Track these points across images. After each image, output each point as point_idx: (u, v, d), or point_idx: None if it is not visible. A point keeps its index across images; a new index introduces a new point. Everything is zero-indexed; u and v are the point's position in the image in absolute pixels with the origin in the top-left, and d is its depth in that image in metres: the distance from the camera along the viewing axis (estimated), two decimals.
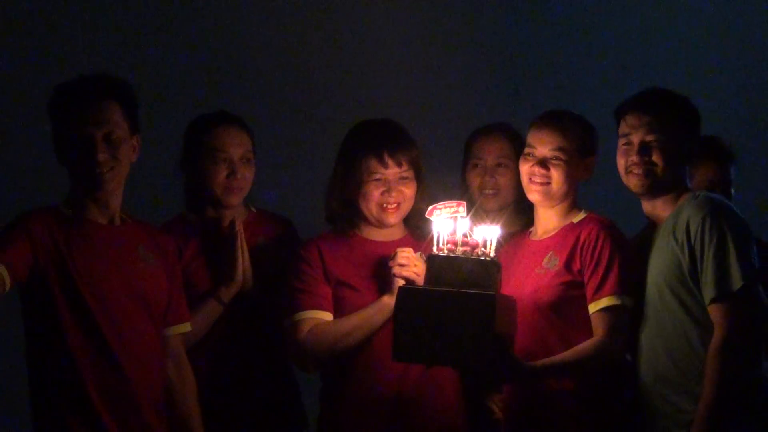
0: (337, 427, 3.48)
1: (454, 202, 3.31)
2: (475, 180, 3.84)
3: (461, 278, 3.17)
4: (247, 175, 3.62)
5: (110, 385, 3.12)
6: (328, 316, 3.42)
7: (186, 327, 3.38)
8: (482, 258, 3.21)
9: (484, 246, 3.23)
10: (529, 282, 3.39)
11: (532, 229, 3.54)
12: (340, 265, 3.47)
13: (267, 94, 5.60)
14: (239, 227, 3.55)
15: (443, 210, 3.29)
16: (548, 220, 3.48)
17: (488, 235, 3.24)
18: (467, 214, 3.31)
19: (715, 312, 3.16)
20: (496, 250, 3.26)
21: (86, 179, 3.16)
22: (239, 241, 3.53)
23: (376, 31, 6.01)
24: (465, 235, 3.25)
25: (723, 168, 4.11)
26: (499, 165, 3.81)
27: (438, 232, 3.25)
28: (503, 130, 3.93)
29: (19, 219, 3.11)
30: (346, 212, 3.52)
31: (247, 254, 3.54)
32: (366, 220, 3.49)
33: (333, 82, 5.82)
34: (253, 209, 3.77)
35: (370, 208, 3.44)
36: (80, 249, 3.12)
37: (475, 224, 3.28)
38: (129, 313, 3.17)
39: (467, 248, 3.23)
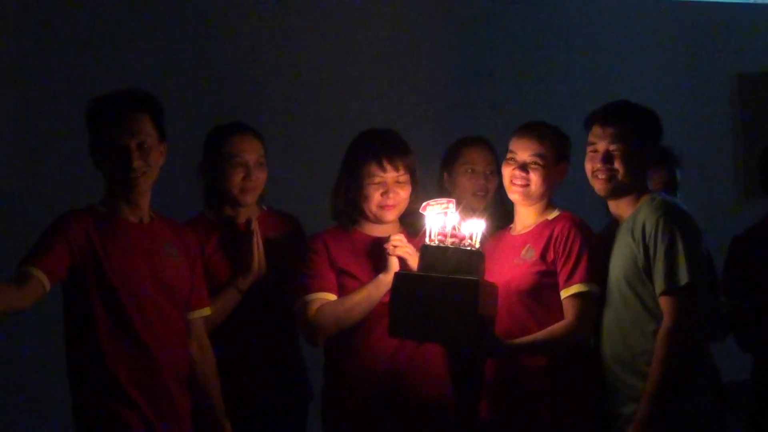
0: (339, 397, 3.48)
1: (444, 200, 3.33)
2: (468, 183, 3.94)
3: (450, 266, 3.19)
4: (260, 177, 3.63)
5: (140, 367, 3.13)
6: (332, 297, 3.42)
7: (206, 311, 3.39)
8: (468, 248, 3.22)
9: (471, 238, 3.25)
10: (509, 271, 3.40)
11: (512, 225, 3.55)
12: (342, 256, 3.47)
13: (278, 108, 5.59)
14: (255, 225, 3.55)
15: (435, 206, 3.31)
16: (526, 217, 3.49)
17: (474, 228, 3.26)
18: (456, 210, 3.33)
19: (664, 303, 3.20)
20: (481, 242, 3.27)
21: (122, 183, 3.17)
22: (255, 237, 3.53)
23: (376, 53, 6.02)
24: (454, 228, 3.27)
25: (672, 172, 4.18)
26: (491, 172, 3.92)
27: (430, 225, 3.27)
28: (488, 143, 4.05)
29: (58, 221, 3.13)
30: (349, 210, 3.52)
31: (261, 248, 3.54)
32: (366, 218, 3.49)
33: (336, 98, 5.82)
34: (264, 207, 3.77)
35: (371, 207, 3.44)
36: (113, 245, 3.13)
37: (462, 219, 3.30)
38: (156, 301, 3.18)
39: (455, 240, 3.25)
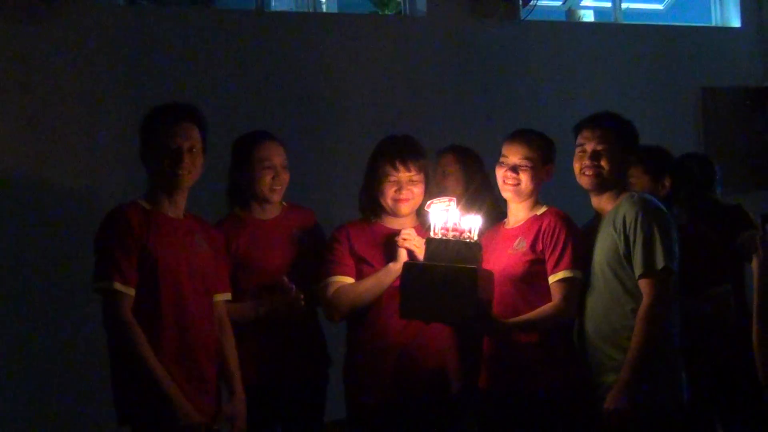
0: (358, 364, 3.49)
1: (446, 198, 3.34)
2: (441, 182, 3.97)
3: (451, 256, 3.19)
4: (285, 178, 3.63)
5: (173, 339, 3.13)
6: (350, 281, 3.43)
7: (227, 296, 3.40)
8: (467, 240, 3.23)
9: (469, 231, 3.25)
10: (504, 260, 3.40)
11: (505, 219, 3.55)
12: (361, 246, 3.48)
13: (305, 118, 5.61)
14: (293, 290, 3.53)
15: (438, 203, 3.32)
16: (518, 212, 3.49)
17: (472, 223, 3.27)
18: (456, 207, 3.34)
19: (642, 284, 3.22)
20: (479, 235, 3.28)
21: (169, 180, 3.18)
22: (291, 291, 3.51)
23: (390, 72, 6.04)
24: (455, 223, 3.27)
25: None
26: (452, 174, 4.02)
27: (434, 221, 3.28)
28: (457, 150, 4.20)
29: (122, 220, 3.12)
30: (371, 205, 3.53)
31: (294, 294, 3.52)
32: (385, 212, 3.50)
33: (356, 110, 5.84)
34: (285, 203, 3.74)
35: (387, 202, 3.45)
36: (156, 236, 3.13)
37: (462, 215, 3.30)
38: (189, 285, 3.18)
39: (456, 233, 3.25)
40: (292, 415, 3.66)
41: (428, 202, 3.36)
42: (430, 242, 3.25)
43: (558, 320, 3.34)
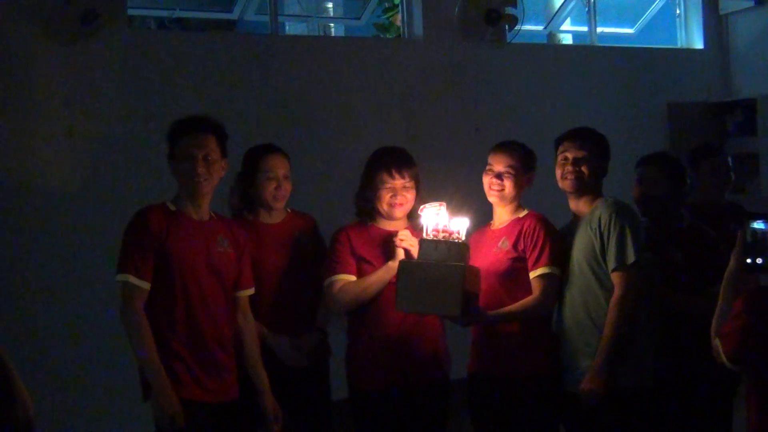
0: (359, 354, 3.49)
1: (437, 203, 3.34)
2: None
3: (442, 255, 3.19)
4: (287, 188, 3.62)
5: (188, 332, 3.14)
6: (352, 278, 3.43)
7: (251, 291, 3.38)
8: (456, 241, 3.23)
9: (458, 233, 3.25)
10: (490, 258, 3.41)
11: (491, 222, 3.55)
12: (360, 246, 3.47)
13: (315, 130, 5.62)
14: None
15: (430, 208, 3.32)
16: (502, 215, 3.49)
17: (460, 225, 3.27)
18: (446, 211, 3.33)
19: (615, 277, 3.25)
20: (466, 236, 3.28)
21: (190, 185, 3.18)
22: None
23: (388, 88, 6.04)
24: (445, 226, 3.27)
25: None
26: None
27: (426, 223, 3.28)
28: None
29: (142, 221, 3.14)
30: (368, 209, 3.52)
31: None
32: (381, 215, 3.49)
33: (361, 122, 5.84)
34: (289, 210, 3.72)
35: (383, 206, 3.45)
36: (176, 236, 3.14)
37: (451, 218, 3.30)
38: (206, 282, 3.18)
39: (446, 234, 3.25)
40: (298, 400, 3.63)
41: (421, 207, 3.36)
42: (422, 243, 3.24)
43: (538, 311, 3.35)
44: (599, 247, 3.27)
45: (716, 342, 2.40)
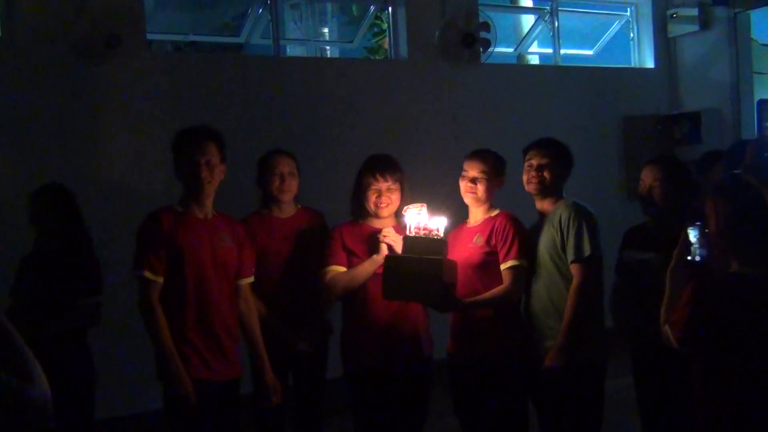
0: (352, 335, 3.47)
1: (418, 204, 3.33)
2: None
3: (423, 250, 3.18)
4: (292, 183, 3.62)
5: (198, 318, 3.13)
6: (342, 269, 3.42)
7: (251, 279, 3.37)
8: (435, 237, 3.22)
9: (437, 230, 3.24)
10: (466, 252, 3.41)
11: (467, 220, 3.53)
12: (351, 242, 3.46)
13: (314, 139, 5.58)
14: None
15: (412, 208, 3.31)
16: (476, 214, 3.48)
17: (439, 224, 3.25)
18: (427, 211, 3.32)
19: (573, 268, 3.26)
20: (445, 233, 3.27)
21: (194, 189, 3.18)
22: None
23: (378, 103, 6.04)
24: (425, 224, 3.26)
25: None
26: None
27: (409, 222, 3.26)
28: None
29: (154, 221, 3.14)
30: (359, 209, 3.50)
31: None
32: (369, 214, 3.47)
33: (354, 132, 5.82)
34: (299, 206, 3.72)
35: (370, 206, 3.43)
36: (185, 233, 3.13)
37: (431, 217, 3.29)
38: (212, 274, 3.17)
39: (427, 231, 3.24)
40: (300, 370, 3.65)
41: (405, 207, 3.35)
42: (405, 239, 3.23)
43: (508, 299, 3.35)
44: (560, 242, 3.28)
45: (666, 328, 2.41)
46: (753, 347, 2.25)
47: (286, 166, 3.61)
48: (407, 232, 3.25)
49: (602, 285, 3.35)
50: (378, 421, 3.43)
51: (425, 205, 3.34)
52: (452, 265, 3.27)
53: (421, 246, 3.19)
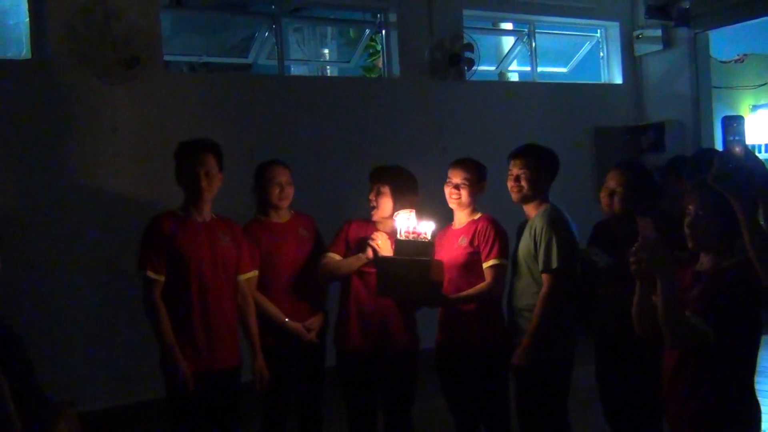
0: (343, 325, 3.44)
1: (408, 210, 3.30)
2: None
3: (412, 251, 3.16)
4: (290, 191, 3.58)
5: (200, 314, 3.11)
6: (338, 257, 3.40)
7: (250, 274, 3.34)
8: (423, 240, 3.19)
9: (425, 234, 3.21)
10: (451, 252, 3.37)
11: (452, 223, 3.49)
12: (353, 236, 3.43)
13: (314, 150, 5.58)
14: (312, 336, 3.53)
15: (402, 213, 3.29)
16: (461, 218, 3.44)
17: (427, 228, 3.23)
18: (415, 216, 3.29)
19: (543, 277, 3.18)
20: (432, 236, 3.24)
21: (194, 195, 3.17)
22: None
23: (373, 116, 6.02)
24: (414, 228, 3.24)
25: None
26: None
27: (399, 226, 3.24)
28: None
29: (155, 225, 3.13)
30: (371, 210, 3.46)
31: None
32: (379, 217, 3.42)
33: (350, 142, 5.80)
34: (293, 211, 3.67)
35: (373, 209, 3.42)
36: (185, 235, 3.12)
37: (419, 221, 3.26)
38: (212, 272, 3.15)
39: (415, 235, 3.21)
40: (301, 360, 3.60)
41: (395, 213, 3.32)
42: (397, 242, 3.20)
43: (489, 294, 3.31)
44: (533, 251, 3.21)
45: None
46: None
47: (284, 176, 3.57)
48: (398, 236, 3.22)
49: (571, 291, 3.21)
50: (366, 402, 3.41)
51: (414, 210, 3.31)
52: (439, 265, 3.24)
53: (410, 248, 3.16)
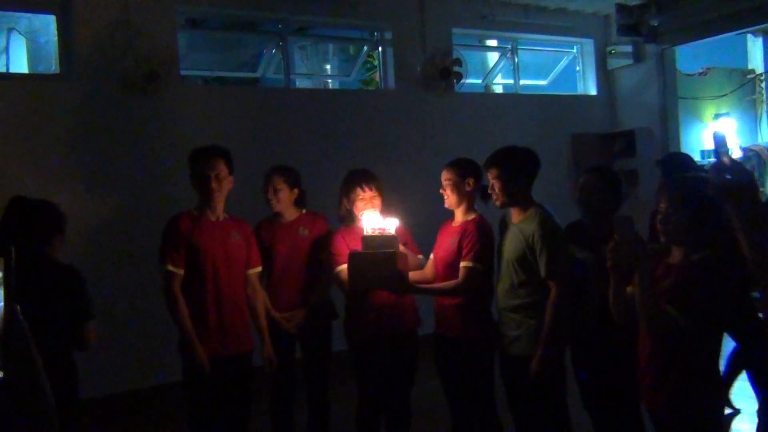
0: (352, 316, 3.39)
1: (372, 209, 3.28)
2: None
3: (379, 245, 3.07)
4: (281, 196, 3.56)
5: (213, 301, 3.11)
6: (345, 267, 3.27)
7: (258, 269, 3.33)
8: (387, 235, 3.10)
9: (388, 229, 3.12)
10: (445, 252, 3.24)
11: (454, 218, 3.33)
12: (352, 241, 3.33)
13: (318, 155, 5.56)
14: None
15: (367, 212, 3.26)
16: (458, 215, 3.27)
17: (390, 224, 3.13)
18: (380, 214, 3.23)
19: (550, 283, 2.95)
20: (395, 231, 3.13)
21: (205, 196, 3.17)
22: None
23: (370, 125, 6.00)
24: (380, 225, 3.14)
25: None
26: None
27: (365, 224, 3.16)
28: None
29: (174, 224, 3.12)
30: (349, 215, 3.41)
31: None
32: (357, 219, 3.35)
33: (350, 148, 5.78)
34: (304, 210, 3.65)
35: (357, 213, 3.34)
36: (200, 233, 3.12)
37: (384, 218, 3.18)
38: (224, 266, 3.15)
39: (381, 230, 3.12)
40: (309, 346, 3.61)
41: (360, 213, 3.25)
42: (364, 238, 3.12)
43: (455, 293, 3.14)
44: (530, 255, 2.98)
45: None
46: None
47: (277, 183, 3.56)
48: (365, 232, 3.14)
49: (575, 294, 3.03)
50: (376, 384, 3.36)
51: (378, 208, 3.28)
52: (403, 256, 3.16)
53: (376, 242, 3.08)
